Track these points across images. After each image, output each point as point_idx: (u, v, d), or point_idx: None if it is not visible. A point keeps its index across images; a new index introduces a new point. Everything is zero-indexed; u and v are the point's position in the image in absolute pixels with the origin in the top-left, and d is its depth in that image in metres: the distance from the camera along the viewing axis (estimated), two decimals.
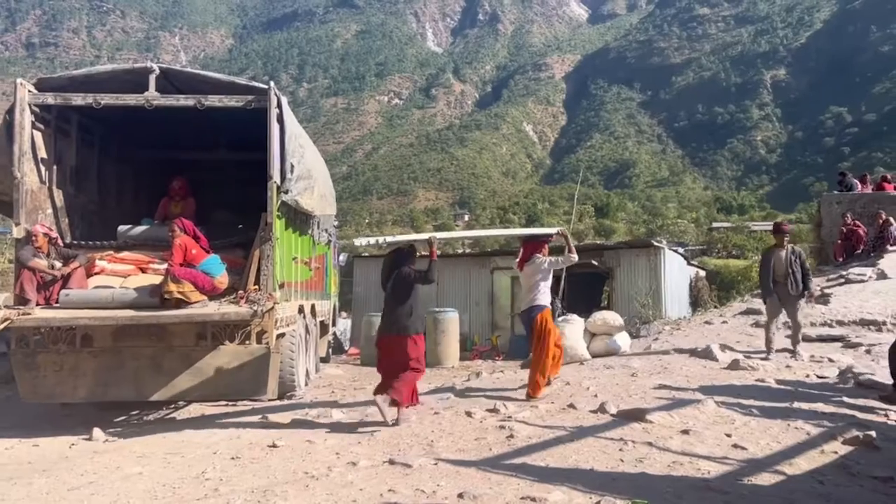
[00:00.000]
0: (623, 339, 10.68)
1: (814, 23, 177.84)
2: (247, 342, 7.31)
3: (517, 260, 8.08)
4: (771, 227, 10.95)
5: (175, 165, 10.30)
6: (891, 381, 7.19)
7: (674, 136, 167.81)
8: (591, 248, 20.30)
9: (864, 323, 10.39)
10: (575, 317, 10.90)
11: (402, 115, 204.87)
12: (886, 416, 6.50)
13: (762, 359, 8.61)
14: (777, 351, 9.00)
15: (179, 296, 7.07)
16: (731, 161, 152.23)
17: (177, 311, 7.11)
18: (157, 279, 7.46)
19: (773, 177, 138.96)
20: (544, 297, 7.66)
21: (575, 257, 7.78)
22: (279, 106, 7.63)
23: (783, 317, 9.33)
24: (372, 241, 7.77)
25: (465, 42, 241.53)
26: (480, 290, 19.62)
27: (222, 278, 7.44)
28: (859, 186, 18.69)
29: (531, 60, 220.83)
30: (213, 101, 7.77)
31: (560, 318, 11.07)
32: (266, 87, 7.74)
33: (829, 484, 4.63)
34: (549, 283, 7.77)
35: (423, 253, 7.69)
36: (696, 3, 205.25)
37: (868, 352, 9.10)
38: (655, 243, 18.29)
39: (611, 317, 10.93)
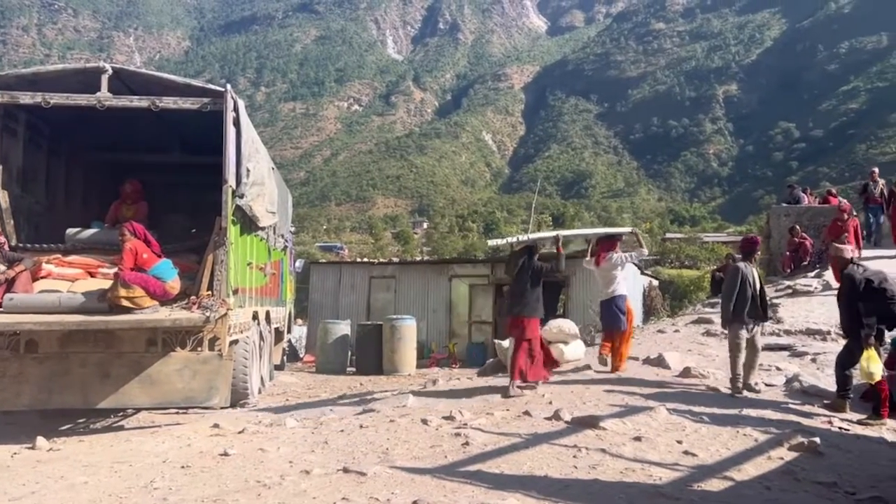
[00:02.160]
0: (578, 347, 10.76)
1: (764, 40, 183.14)
2: (199, 349, 7.16)
3: (593, 258, 9.38)
4: (739, 242, 9.05)
5: (128, 168, 10.09)
6: (834, 389, 7.42)
7: (629, 148, 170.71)
8: (547, 258, 20.50)
9: (810, 332, 10.67)
10: None
11: (361, 121, 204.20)
12: (830, 422, 6.70)
13: (731, 395, 7.48)
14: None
15: (129, 301, 6.90)
16: (685, 173, 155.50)
17: (126, 317, 6.94)
18: (107, 284, 7.26)
19: (724, 189, 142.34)
20: (622, 287, 9.19)
21: (645, 251, 9.76)
22: (236, 109, 7.53)
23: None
24: (502, 241, 9.29)
25: (425, 50, 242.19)
26: (438, 298, 19.64)
27: (174, 283, 7.29)
28: (806, 199, 19.27)
29: (491, 70, 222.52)
30: (168, 102, 7.63)
31: None
32: (223, 89, 7.63)
33: (776, 489, 4.74)
34: (624, 275, 9.31)
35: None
36: (652, 18, 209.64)
37: (814, 360, 9.35)
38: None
39: (566, 325, 10.99)
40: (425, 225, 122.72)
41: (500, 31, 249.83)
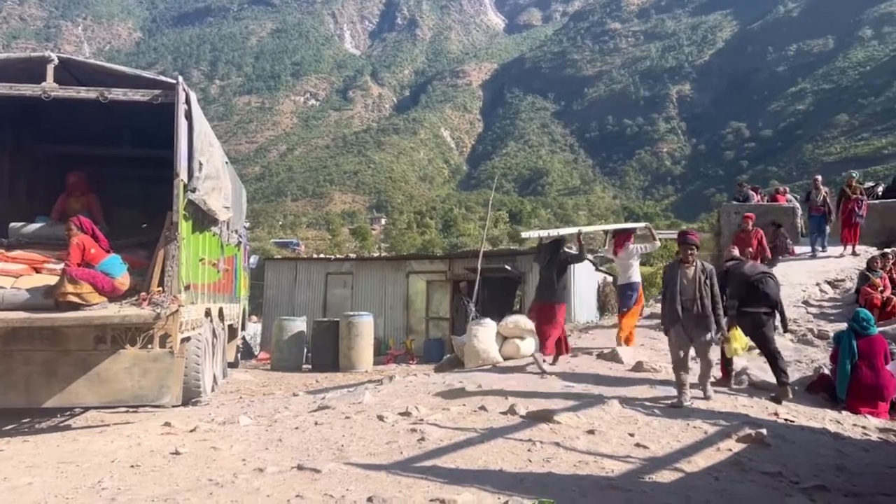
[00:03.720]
0: (534, 343, 10.86)
1: (716, 42, 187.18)
2: (149, 346, 7.00)
3: (611, 248, 10.39)
4: (676, 236, 8.94)
5: (76, 160, 9.81)
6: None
7: (585, 146, 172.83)
8: (504, 254, 20.65)
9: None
10: (488, 320, 11.01)
11: (318, 116, 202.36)
12: (776, 414, 6.91)
13: (672, 405, 6.81)
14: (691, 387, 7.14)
15: (76, 297, 6.71)
16: (639, 171, 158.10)
17: (73, 314, 6.75)
18: (53, 279, 7.05)
19: (677, 187, 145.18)
20: (636, 275, 10.14)
21: (658, 244, 10.53)
22: (188, 101, 7.38)
23: (692, 351, 7.27)
24: (534, 234, 10.46)
25: (383, 45, 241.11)
26: (396, 294, 19.62)
27: (123, 279, 7.11)
28: (755, 197, 19.77)
29: (449, 67, 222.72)
30: (118, 94, 7.43)
31: (473, 322, 11.19)
32: (174, 81, 7.47)
33: (724, 480, 4.87)
34: (638, 262, 10.28)
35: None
36: (607, 18, 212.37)
37: (761, 354, 9.61)
38: (566, 250, 18.74)
39: (522, 320, 11.08)
40: (383, 221, 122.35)
41: (458, 28, 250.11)
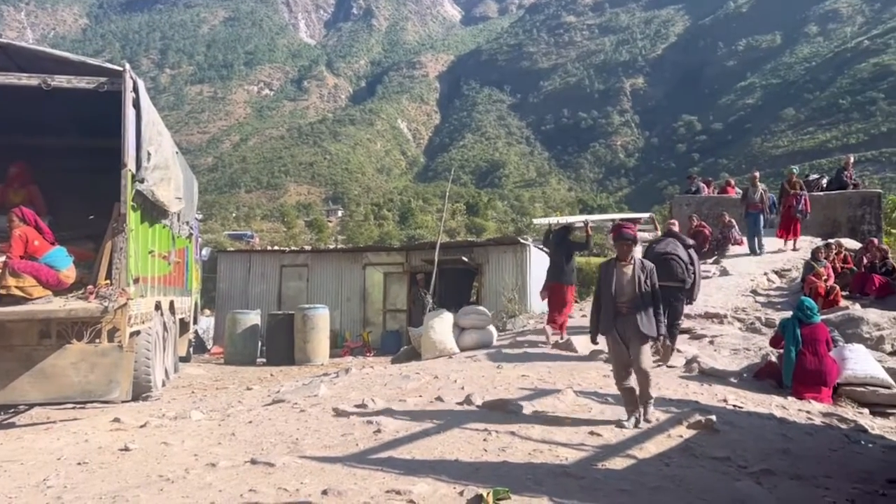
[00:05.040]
0: (490, 333, 10.94)
1: (669, 36, 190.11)
2: (97, 341, 6.84)
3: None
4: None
5: (17, 151, 9.46)
6: (730, 368, 7.85)
7: (541, 139, 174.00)
8: (461, 245, 20.69)
9: (709, 316, 11.21)
10: (444, 312, 11.05)
11: (272, 106, 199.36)
12: (725, 401, 7.07)
13: (617, 425, 5.87)
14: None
15: (19, 291, 6.52)
16: (594, 164, 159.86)
17: (16, 308, 6.54)
18: None
19: (631, 180, 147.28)
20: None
21: (658, 233, 10.97)
22: (135, 90, 7.20)
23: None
24: (545, 221, 11.37)
25: (338, 35, 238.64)
26: (352, 287, 19.51)
27: (69, 272, 6.92)
28: (705, 190, 20.22)
29: (405, 58, 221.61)
30: (61, 81, 7.21)
31: (430, 313, 11.21)
32: (121, 68, 7.27)
33: (675, 465, 4.97)
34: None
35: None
36: (563, 11, 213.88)
37: (711, 342, 9.85)
38: (522, 241, 18.91)
39: (478, 311, 11.17)
40: (340, 213, 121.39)
41: (414, 19, 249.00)
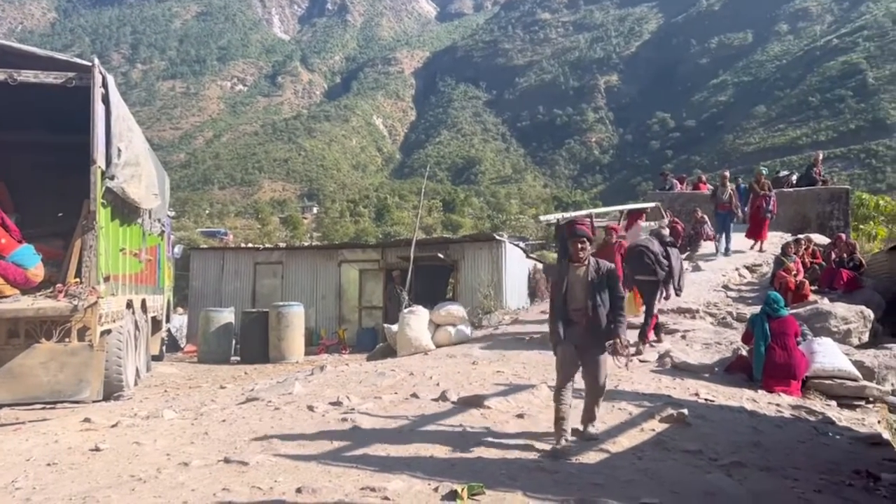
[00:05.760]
0: (466, 330, 10.96)
1: (643, 33, 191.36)
2: (66, 340, 6.74)
3: (624, 223, 12.29)
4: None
5: None
6: (701, 363, 7.94)
7: (517, 136, 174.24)
8: (437, 242, 20.69)
9: (681, 311, 11.33)
10: (420, 308, 11.05)
11: (246, 102, 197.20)
12: (697, 395, 7.17)
13: (546, 455, 4.95)
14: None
15: None
16: (569, 161, 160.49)
17: None
18: None
19: (605, 176, 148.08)
20: None
21: (665, 220, 11.97)
22: (105, 85, 7.10)
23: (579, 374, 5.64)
24: (551, 217, 11.63)
25: (313, 31, 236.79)
26: (328, 284, 19.41)
27: (37, 270, 6.81)
28: (678, 186, 20.43)
29: (380, 54, 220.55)
30: (28, 76, 7.09)
31: (406, 310, 11.20)
32: (90, 64, 7.16)
33: (647, 459, 5.02)
34: (645, 225, 11.66)
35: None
36: (538, 8, 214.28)
37: (683, 337, 9.96)
38: (497, 237, 18.95)
39: (454, 308, 11.18)
40: (315, 210, 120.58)
41: (389, 15, 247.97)
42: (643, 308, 9.41)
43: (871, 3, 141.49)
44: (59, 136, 9.47)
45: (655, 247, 9.10)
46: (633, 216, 12.53)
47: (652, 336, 9.45)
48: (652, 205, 14.06)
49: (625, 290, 7.80)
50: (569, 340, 5.27)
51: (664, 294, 9.52)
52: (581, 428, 5.47)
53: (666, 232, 10.26)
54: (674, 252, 9.38)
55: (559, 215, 11.38)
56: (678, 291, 9.69)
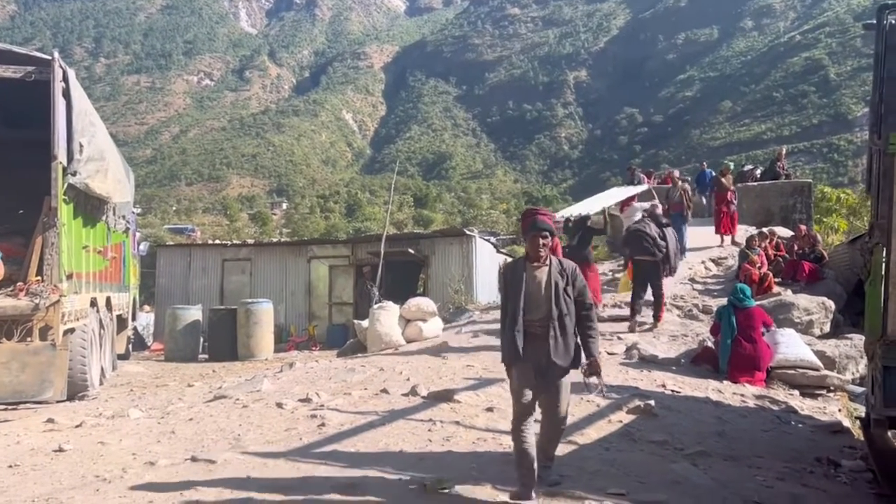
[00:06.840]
0: (436, 325, 10.96)
1: (611, 29, 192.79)
2: (28, 339, 6.61)
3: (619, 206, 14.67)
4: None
5: None
6: (668, 356, 8.06)
7: (487, 131, 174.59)
8: (408, 237, 20.66)
9: (649, 304, 11.45)
10: (390, 303, 11.03)
11: (213, 96, 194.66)
12: (664, 386, 7.27)
13: (513, 495, 4.00)
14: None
15: None
16: (539, 156, 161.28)
17: None
18: None
19: (575, 171, 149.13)
20: None
21: (657, 202, 11.70)
22: (65, 79, 6.96)
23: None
24: (566, 213, 11.70)
25: (280, 25, 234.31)
26: (297, 280, 19.27)
27: None
28: (646, 181, 20.64)
29: (350, 48, 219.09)
30: None
31: (376, 306, 11.17)
32: (49, 57, 7.01)
33: (614, 450, 5.09)
34: (640, 206, 12.60)
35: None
36: (507, 3, 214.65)
37: (650, 330, 10.09)
38: (468, 232, 18.97)
39: (424, 303, 11.16)
40: (284, 206, 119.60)
41: (358, 9, 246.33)
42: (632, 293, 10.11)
43: (833, 0, 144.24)
44: (19, 132, 9.27)
45: (652, 229, 9.70)
46: (626, 200, 14.07)
47: (664, 316, 10.17)
48: (644, 187, 15.65)
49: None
50: (528, 358, 4.13)
51: (666, 272, 10.05)
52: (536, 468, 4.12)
53: (659, 211, 10.62)
54: (669, 232, 9.95)
55: (568, 212, 11.82)
56: (672, 271, 10.18)
